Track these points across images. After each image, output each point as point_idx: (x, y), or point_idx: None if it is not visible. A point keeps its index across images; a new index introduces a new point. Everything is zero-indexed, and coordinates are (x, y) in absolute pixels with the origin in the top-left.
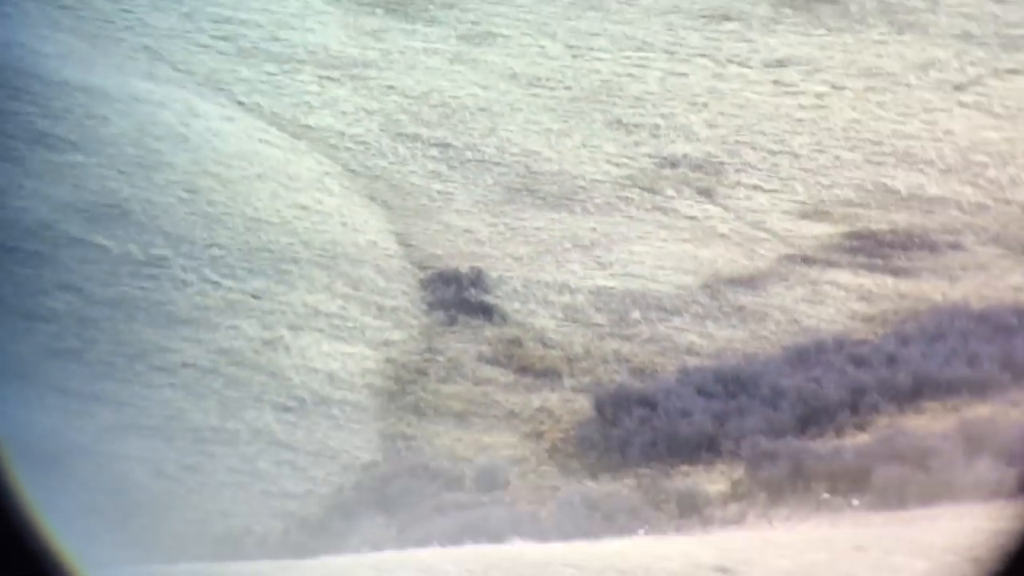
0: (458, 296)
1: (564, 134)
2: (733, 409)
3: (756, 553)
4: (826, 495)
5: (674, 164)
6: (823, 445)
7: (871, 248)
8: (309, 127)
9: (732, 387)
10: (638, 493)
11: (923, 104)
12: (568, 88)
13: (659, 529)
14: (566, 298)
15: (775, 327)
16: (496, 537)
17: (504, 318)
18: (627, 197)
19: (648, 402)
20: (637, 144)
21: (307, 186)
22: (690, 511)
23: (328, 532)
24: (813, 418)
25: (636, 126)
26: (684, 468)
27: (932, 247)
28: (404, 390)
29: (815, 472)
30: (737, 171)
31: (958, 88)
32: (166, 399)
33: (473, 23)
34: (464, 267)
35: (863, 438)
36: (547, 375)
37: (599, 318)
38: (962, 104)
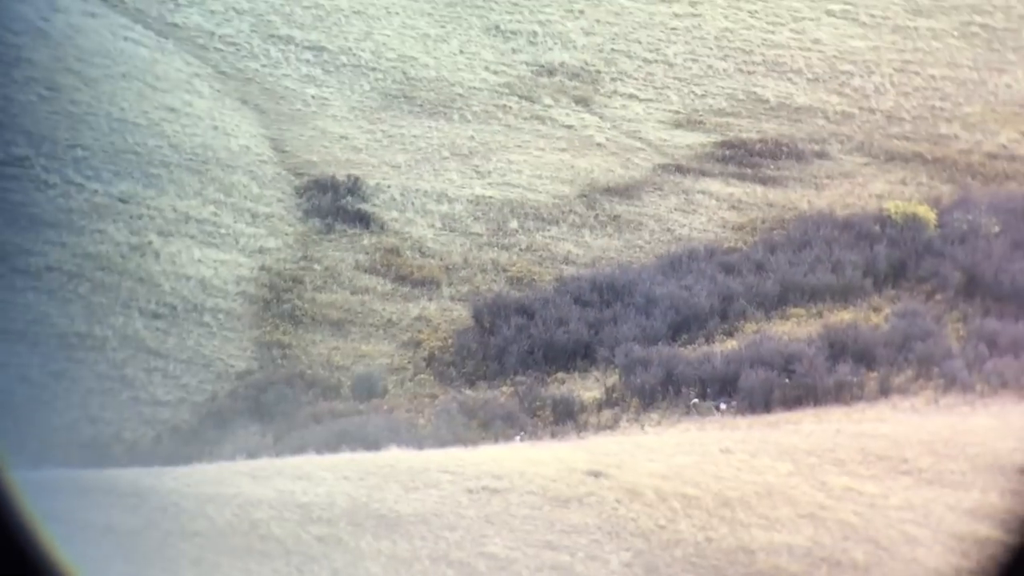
0: (334, 204)
1: (441, 39)
2: (608, 317)
3: (628, 457)
4: (695, 400)
5: (551, 72)
6: (693, 351)
7: (741, 157)
8: (176, 25)
9: (607, 295)
10: (514, 400)
11: (792, 13)
12: None
13: (535, 435)
14: (444, 207)
15: (649, 236)
16: (373, 445)
17: (382, 227)
18: (505, 105)
19: (525, 311)
20: (515, 51)
21: (175, 87)
22: (565, 417)
23: (201, 440)
24: (684, 325)
25: (513, 32)
26: (560, 375)
27: (799, 156)
28: (280, 298)
29: (685, 378)
30: (613, 80)
31: None
32: (29, 303)
33: None
34: (340, 174)
35: (731, 344)
36: (425, 284)
37: (477, 227)
38: (829, 13)
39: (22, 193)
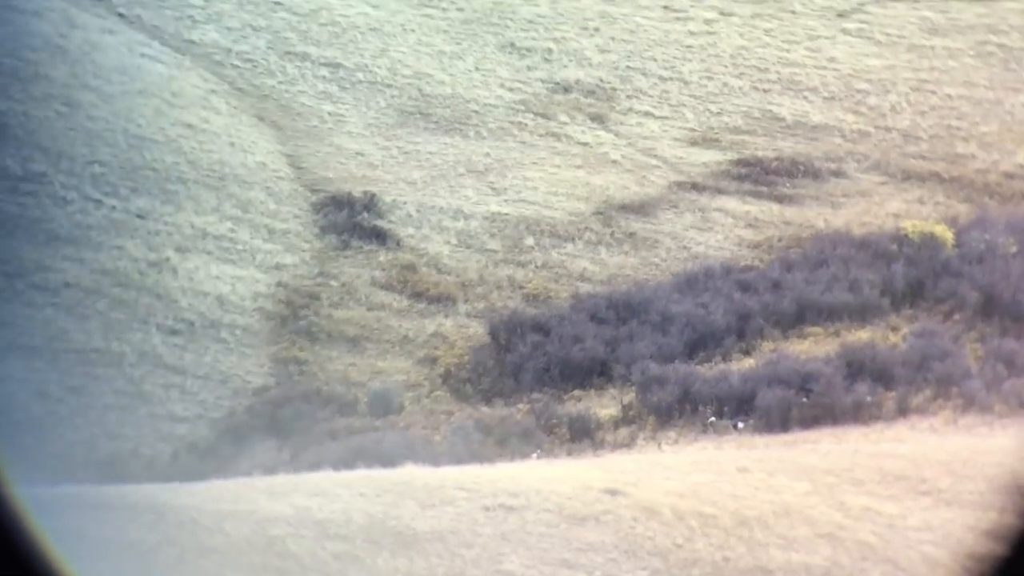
0: (351, 220)
1: (457, 56)
2: (624, 335)
3: (644, 475)
4: (712, 418)
5: (567, 89)
6: (710, 369)
7: (757, 175)
8: (193, 42)
9: (623, 313)
10: (531, 418)
11: (807, 31)
12: (460, 9)
13: (551, 453)
14: (460, 224)
15: (665, 253)
16: (389, 462)
17: (398, 243)
18: (520, 122)
19: (541, 328)
20: (530, 68)
21: (192, 104)
22: (581, 435)
23: (218, 456)
24: (701, 343)
25: (529, 50)
26: (576, 393)
27: (816, 174)
28: (296, 314)
29: (702, 396)
30: (629, 97)
31: (841, 15)
32: (48, 319)
33: None
34: (357, 191)
35: (748, 362)
36: (441, 301)
37: (493, 244)
38: (845, 31)
39: (40, 209)
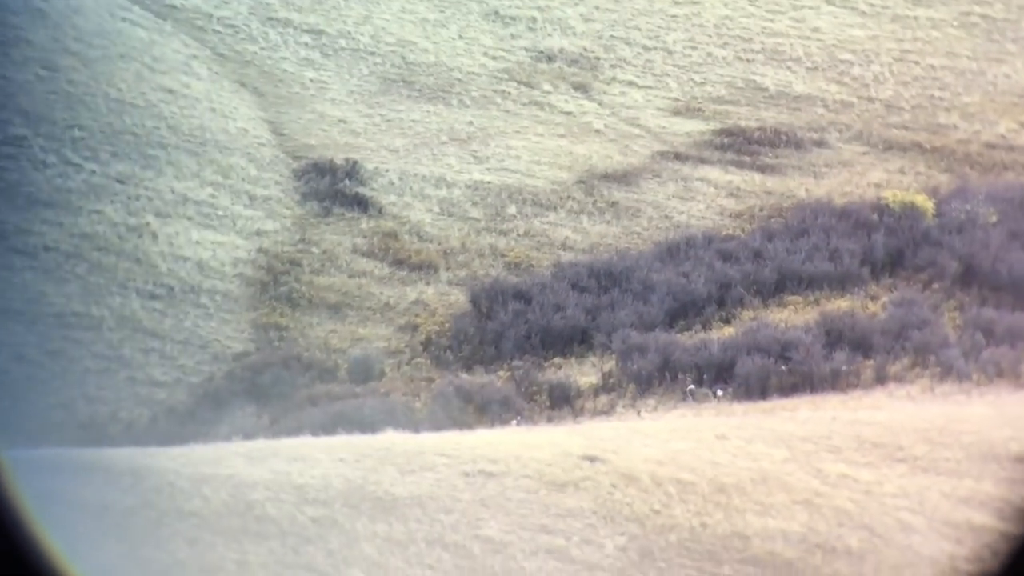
0: (332, 187)
1: (440, 24)
2: (605, 303)
3: (623, 442)
4: (692, 386)
5: (550, 58)
6: (690, 338)
7: (740, 145)
8: (174, 7)
9: (605, 281)
10: (511, 385)
11: (792, 2)
12: None
13: (531, 420)
14: (442, 192)
15: (647, 222)
16: (369, 428)
17: (380, 211)
18: (504, 91)
19: (523, 296)
20: (514, 37)
21: (173, 69)
22: (561, 402)
23: (197, 420)
24: (681, 312)
25: (513, 18)
26: (557, 360)
27: (798, 144)
28: (277, 281)
29: (682, 364)
30: (612, 66)
31: None
32: (26, 282)
33: None
34: (339, 158)
35: (728, 331)
36: (423, 268)
37: (475, 212)
38: (829, 2)
39: (19, 173)
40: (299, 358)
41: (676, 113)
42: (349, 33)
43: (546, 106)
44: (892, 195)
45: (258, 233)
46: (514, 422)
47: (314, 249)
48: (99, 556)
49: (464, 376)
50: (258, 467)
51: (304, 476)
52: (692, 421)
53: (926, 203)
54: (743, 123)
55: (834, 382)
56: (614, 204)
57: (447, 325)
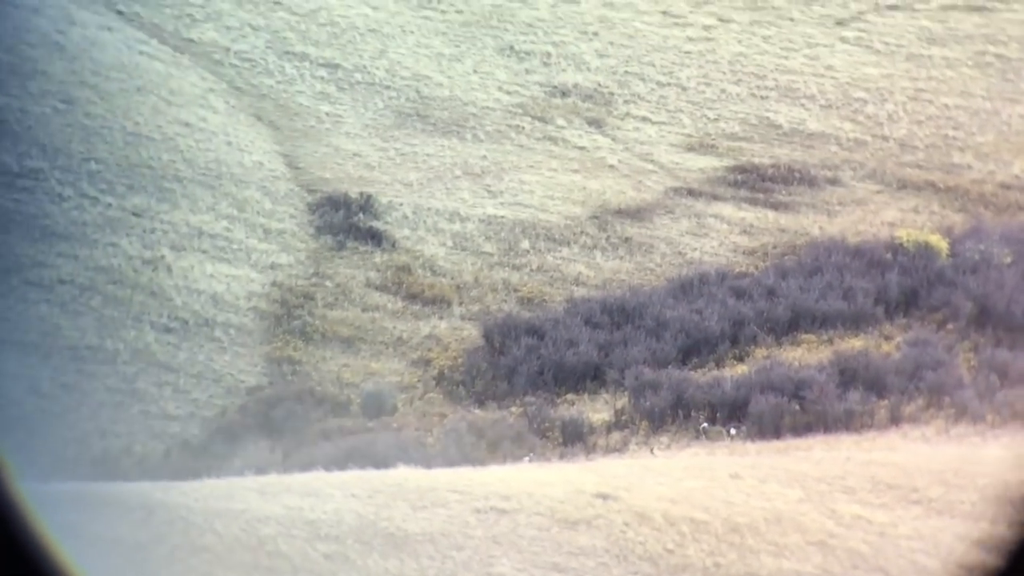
0: (347, 221)
1: (455, 59)
2: (618, 339)
3: (636, 480)
4: (705, 424)
5: (565, 93)
6: (704, 375)
7: (753, 182)
8: (192, 41)
9: (618, 317)
10: (523, 421)
11: (806, 39)
12: (459, 12)
13: (544, 456)
14: (456, 226)
15: (660, 259)
16: (382, 462)
17: (393, 245)
18: (518, 125)
19: (536, 331)
20: (528, 72)
21: (190, 102)
22: (574, 439)
23: (211, 455)
24: (695, 349)
25: (527, 53)
26: (569, 397)
27: (811, 182)
28: (291, 314)
29: (695, 402)
30: (626, 102)
31: (840, 23)
32: (42, 315)
33: None
34: (353, 192)
35: (741, 369)
36: (436, 303)
37: (489, 247)
38: (843, 40)
39: (36, 205)
40: (312, 392)
41: (690, 149)
42: (365, 67)
43: (560, 141)
44: (906, 234)
45: (272, 267)
46: (527, 458)
47: (328, 283)
48: None
49: (477, 411)
50: (271, 502)
51: (316, 511)
52: (705, 460)
53: (940, 243)
54: (757, 160)
55: (848, 422)
56: (627, 240)
57: (460, 360)
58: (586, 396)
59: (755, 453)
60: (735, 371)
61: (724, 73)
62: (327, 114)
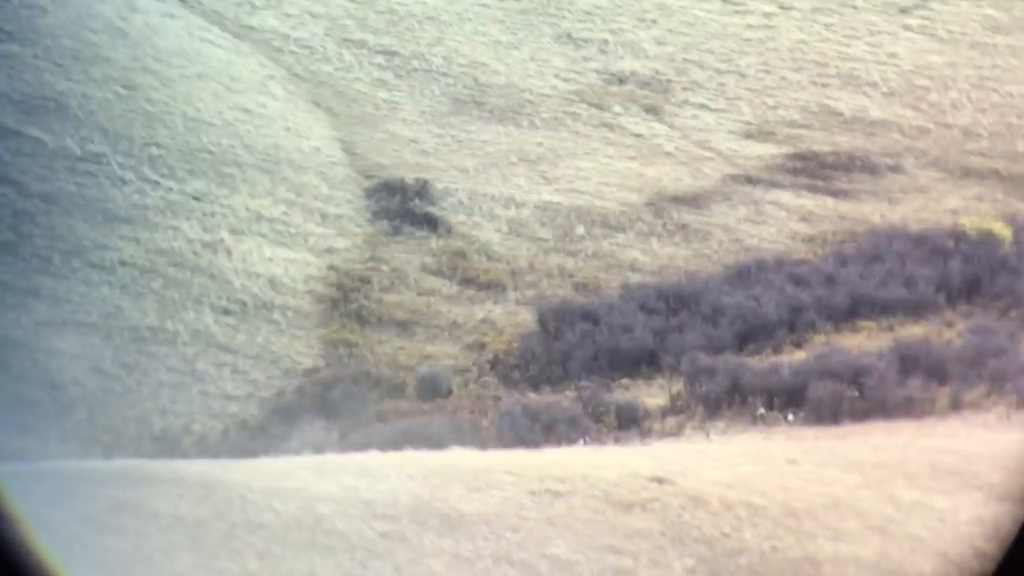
0: (403, 206)
1: (512, 46)
2: (674, 325)
3: (692, 464)
4: (762, 410)
5: (622, 80)
6: (760, 361)
7: (813, 169)
8: (252, 28)
9: (673, 303)
10: (578, 405)
11: (868, 26)
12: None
13: (598, 440)
14: (511, 212)
15: (717, 245)
16: (436, 444)
17: (449, 230)
18: (574, 112)
19: (591, 316)
20: (585, 59)
21: (250, 88)
22: (629, 423)
23: (268, 434)
24: (751, 335)
25: (585, 40)
26: (624, 381)
27: (872, 169)
28: (347, 298)
29: (752, 387)
30: (684, 89)
31: (903, 11)
32: (103, 297)
33: None
34: (409, 177)
35: (799, 355)
36: (491, 287)
37: (544, 232)
38: (906, 27)
39: (98, 189)
40: (368, 374)
41: (748, 136)
42: (422, 54)
43: (616, 128)
44: (969, 222)
45: (329, 251)
46: (581, 442)
47: (384, 267)
48: (171, 566)
49: (531, 395)
50: (327, 481)
51: (372, 491)
52: (762, 445)
53: (1004, 230)
54: (816, 147)
55: (908, 409)
56: (684, 227)
57: (514, 344)
58: (641, 381)
59: (813, 439)
60: (792, 357)
61: (784, 60)
62: (384, 101)
